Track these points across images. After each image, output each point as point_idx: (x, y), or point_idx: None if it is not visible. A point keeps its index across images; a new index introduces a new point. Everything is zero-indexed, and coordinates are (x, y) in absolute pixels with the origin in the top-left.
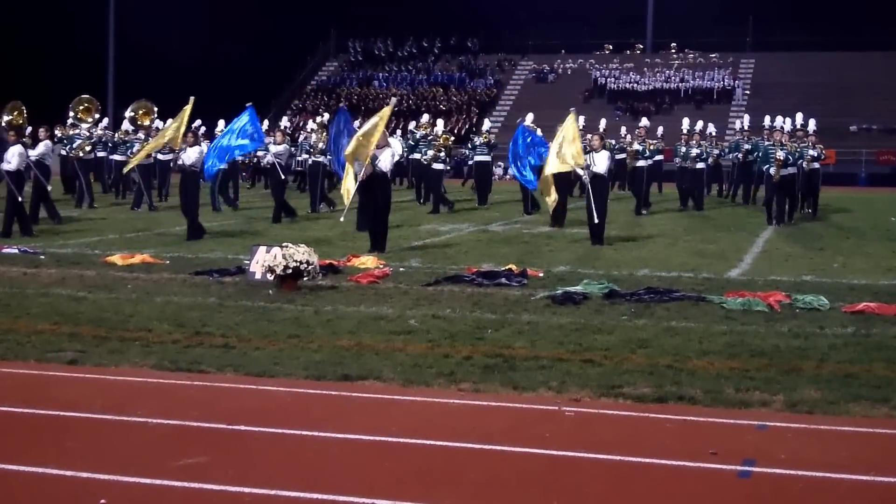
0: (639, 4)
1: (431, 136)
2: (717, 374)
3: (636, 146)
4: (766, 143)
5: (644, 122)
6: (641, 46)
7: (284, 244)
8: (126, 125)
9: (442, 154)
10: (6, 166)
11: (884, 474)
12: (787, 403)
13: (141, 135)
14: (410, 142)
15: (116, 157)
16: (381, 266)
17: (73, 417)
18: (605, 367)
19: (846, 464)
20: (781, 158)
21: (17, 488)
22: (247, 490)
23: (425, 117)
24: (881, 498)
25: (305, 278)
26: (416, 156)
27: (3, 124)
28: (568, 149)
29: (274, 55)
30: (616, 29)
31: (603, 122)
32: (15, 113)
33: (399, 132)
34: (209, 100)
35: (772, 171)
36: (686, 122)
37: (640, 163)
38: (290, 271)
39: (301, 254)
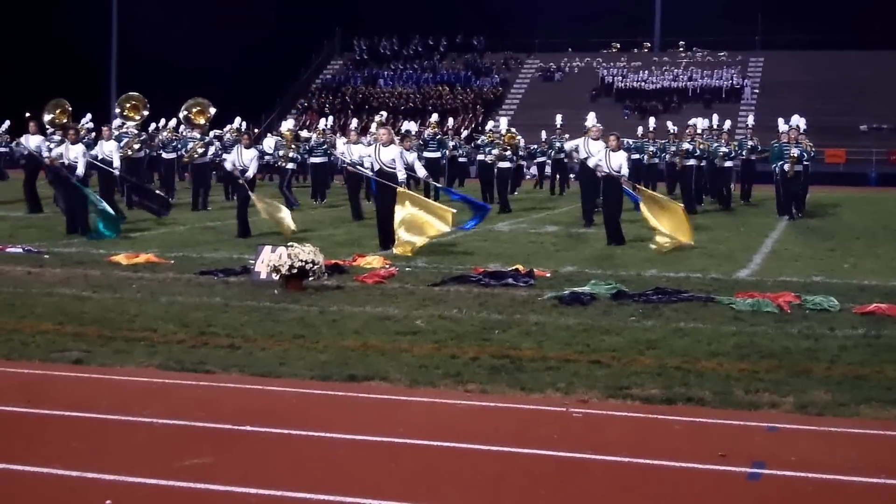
0: (647, 2)
1: (494, 136)
2: (727, 375)
3: (685, 145)
4: (776, 142)
5: (652, 121)
6: (649, 45)
7: (290, 244)
8: (171, 123)
9: (508, 153)
10: (79, 170)
11: (894, 476)
12: (796, 405)
13: (196, 133)
14: (420, 142)
15: (165, 155)
16: (387, 266)
17: (78, 417)
18: (613, 368)
19: (856, 466)
20: (796, 155)
21: (23, 488)
22: (252, 491)
23: (434, 117)
24: (892, 500)
25: (311, 278)
26: (430, 155)
27: (46, 123)
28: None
29: (279, 53)
30: (624, 27)
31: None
32: (58, 111)
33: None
34: (214, 99)
35: (786, 167)
36: (715, 118)
37: (690, 161)
38: (295, 271)
39: (306, 253)
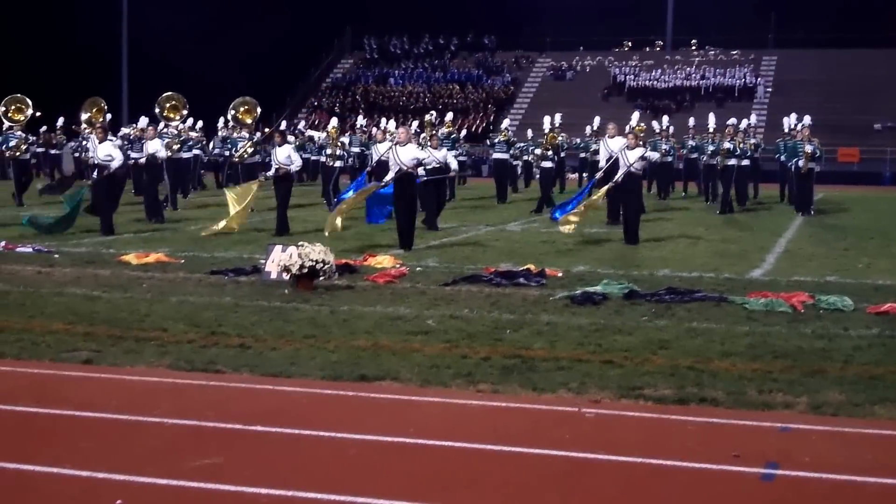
0: (659, 1)
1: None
2: (740, 375)
3: (727, 144)
4: (784, 140)
5: (677, 120)
6: (661, 43)
7: (300, 243)
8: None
9: (550, 152)
10: (114, 164)
11: None
12: (810, 405)
13: (245, 133)
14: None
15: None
16: (398, 265)
17: (88, 417)
18: (626, 368)
19: (871, 467)
20: (810, 152)
21: (33, 488)
22: (263, 491)
23: (449, 115)
24: None
25: (321, 278)
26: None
27: (83, 122)
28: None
29: (289, 52)
30: (636, 25)
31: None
32: (94, 110)
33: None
34: (222, 98)
35: (800, 163)
36: (733, 119)
37: (731, 161)
38: (305, 271)
39: (317, 253)
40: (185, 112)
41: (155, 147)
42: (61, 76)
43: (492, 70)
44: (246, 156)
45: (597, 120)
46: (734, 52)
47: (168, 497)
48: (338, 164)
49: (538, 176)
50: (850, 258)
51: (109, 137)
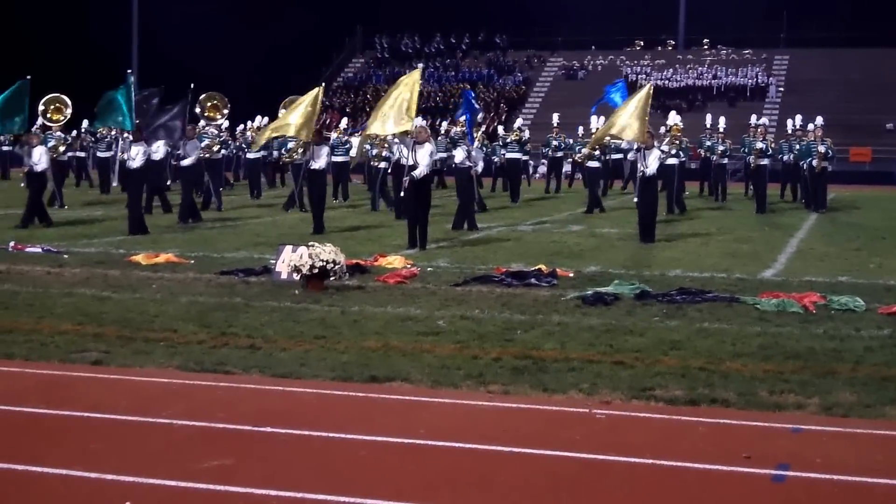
0: (671, 0)
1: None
2: (751, 376)
3: (759, 144)
4: (794, 140)
5: (754, 119)
6: (673, 42)
7: (311, 243)
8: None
9: (597, 152)
10: (134, 164)
11: None
12: (822, 406)
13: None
14: (448, 140)
15: (250, 155)
16: (409, 266)
17: (97, 418)
18: (637, 369)
19: (882, 468)
20: (822, 152)
21: (42, 490)
22: (273, 492)
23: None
24: None
25: (332, 278)
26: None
27: (203, 118)
28: (632, 121)
29: (300, 52)
30: (647, 25)
31: (673, 116)
32: (210, 103)
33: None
34: (235, 97)
35: (814, 163)
36: (753, 118)
37: (764, 161)
38: (316, 271)
39: (327, 253)
40: (226, 111)
41: (193, 148)
42: (72, 72)
43: (503, 69)
44: (296, 157)
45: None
46: (746, 52)
47: (178, 498)
48: (383, 164)
49: (582, 176)
50: (862, 258)
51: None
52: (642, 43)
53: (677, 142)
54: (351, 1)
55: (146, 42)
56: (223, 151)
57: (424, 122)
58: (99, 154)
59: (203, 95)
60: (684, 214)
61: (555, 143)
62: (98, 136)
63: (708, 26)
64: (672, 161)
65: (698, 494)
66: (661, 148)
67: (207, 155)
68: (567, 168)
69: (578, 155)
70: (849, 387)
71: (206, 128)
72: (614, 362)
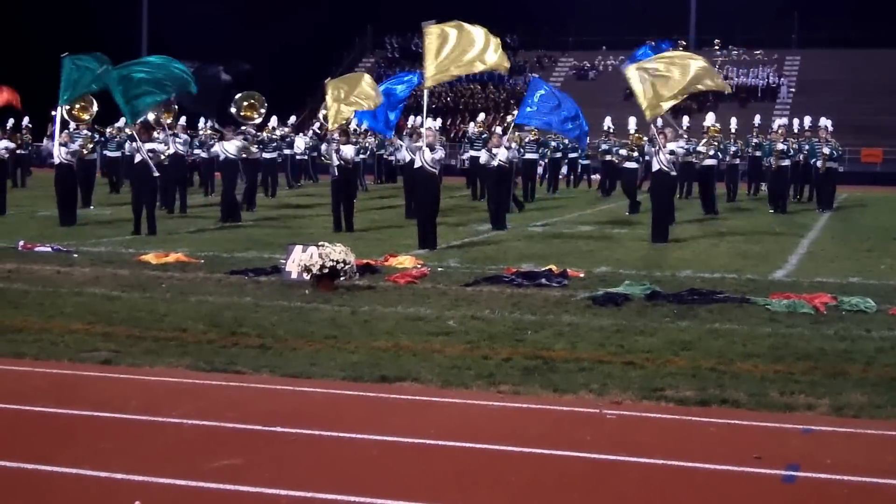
0: (682, 0)
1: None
2: (762, 377)
3: (780, 145)
4: (802, 141)
5: (783, 121)
6: (684, 43)
7: (321, 243)
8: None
9: (635, 153)
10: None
11: None
12: (832, 407)
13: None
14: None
15: (266, 155)
16: (419, 266)
17: (107, 418)
18: (647, 369)
19: (892, 469)
20: (827, 153)
21: (51, 489)
22: (283, 492)
23: (481, 116)
24: None
25: (342, 278)
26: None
27: (152, 122)
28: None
29: (310, 51)
30: (659, 25)
31: (710, 117)
32: (247, 103)
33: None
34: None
35: (818, 164)
36: (784, 120)
37: (785, 162)
38: (326, 271)
39: (338, 253)
40: (263, 111)
41: (231, 148)
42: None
43: (514, 70)
44: (246, 154)
45: (607, 120)
46: (757, 52)
47: (187, 498)
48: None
49: (620, 177)
50: (873, 259)
51: (155, 135)
52: (653, 43)
53: (716, 143)
54: (361, 1)
55: (154, 43)
56: (254, 151)
57: (435, 122)
58: (108, 154)
59: (238, 95)
60: (717, 216)
61: (553, 144)
62: (108, 135)
63: (719, 27)
64: (710, 162)
65: (708, 495)
66: (699, 148)
67: (245, 155)
68: (565, 169)
69: (616, 156)
70: (859, 388)
71: (244, 127)
72: (625, 363)
